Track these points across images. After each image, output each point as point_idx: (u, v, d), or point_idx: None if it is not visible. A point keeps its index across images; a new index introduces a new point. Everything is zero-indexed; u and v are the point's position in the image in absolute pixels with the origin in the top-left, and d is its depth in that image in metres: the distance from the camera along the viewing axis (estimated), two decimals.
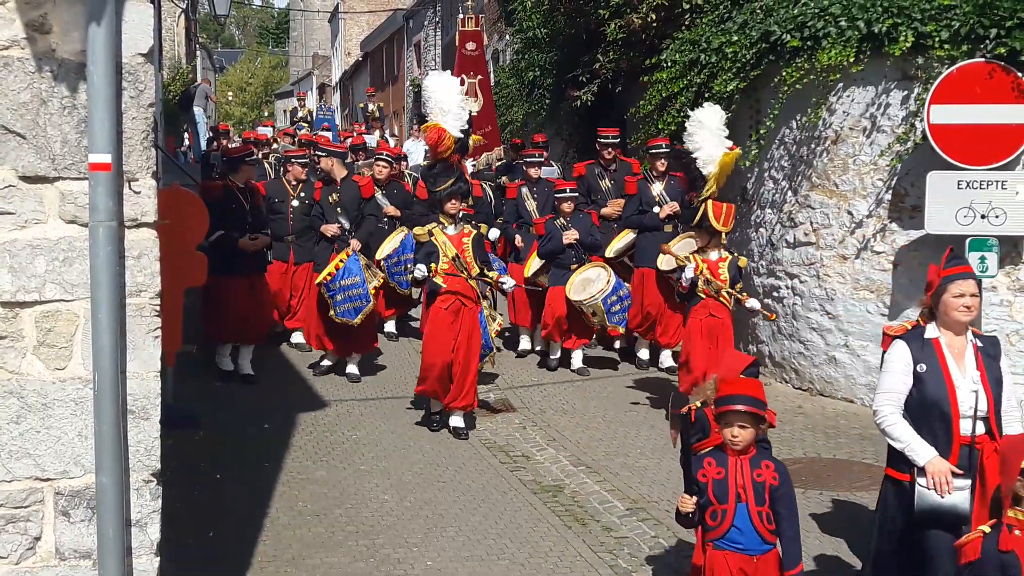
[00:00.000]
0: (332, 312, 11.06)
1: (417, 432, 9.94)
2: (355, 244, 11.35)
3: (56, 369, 4.69)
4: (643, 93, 13.00)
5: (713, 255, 9.80)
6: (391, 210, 13.20)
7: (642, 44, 13.90)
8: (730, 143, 10.53)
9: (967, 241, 9.80)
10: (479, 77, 17.64)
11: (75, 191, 4.64)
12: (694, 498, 5.41)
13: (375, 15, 49.71)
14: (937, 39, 9.93)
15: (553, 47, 17.66)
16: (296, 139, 20.52)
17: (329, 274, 10.99)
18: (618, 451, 9.48)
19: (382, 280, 11.80)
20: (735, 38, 11.54)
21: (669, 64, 12.45)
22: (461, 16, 18.80)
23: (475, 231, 9.95)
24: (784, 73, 10.91)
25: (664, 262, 11.29)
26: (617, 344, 12.86)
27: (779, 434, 9.87)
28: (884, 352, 6.06)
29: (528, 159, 13.63)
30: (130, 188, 4.71)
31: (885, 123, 10.46)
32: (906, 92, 10.33)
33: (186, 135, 28.88)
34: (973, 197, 9.83)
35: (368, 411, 10.57)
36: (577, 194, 12.24)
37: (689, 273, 9.64)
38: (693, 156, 10.52)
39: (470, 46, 17.91)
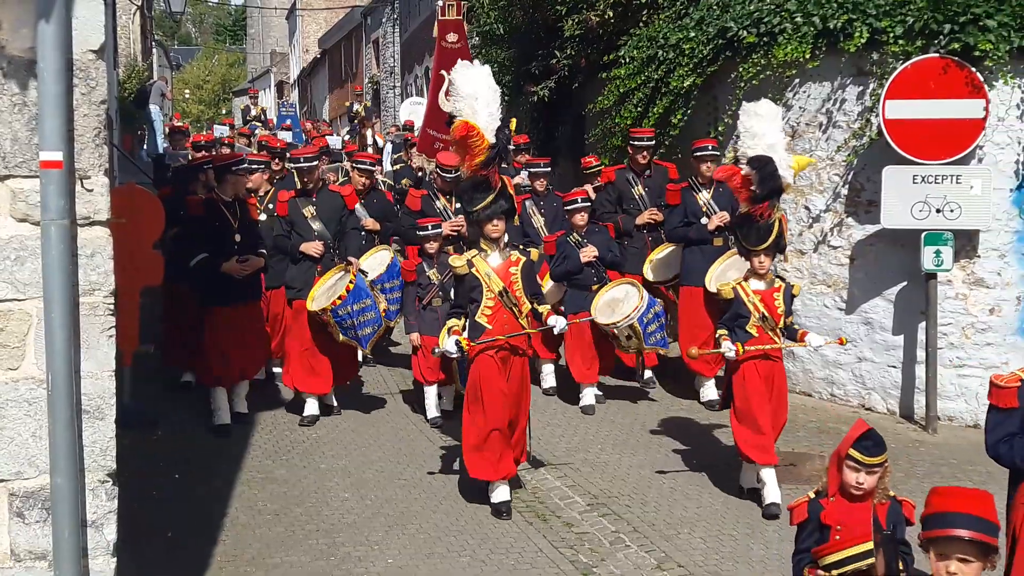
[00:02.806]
0: (338, 336, 9.68)
1: (377, 430, 9.90)
2: (356, 263, 9.99)
3: (9, 369, 4.63)
4: (601, 89, 13.02)
5: (761, 283, 8.18)
6: (370, 223, 11.64)
7: (600, 40, 13.92)
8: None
9: (923, 235, 9.89)
10: None
11: (26, 189, 4.58)
12: None
13: (333, 12, 49.51)
14: (892, 35, 10.01)
15: (511, 43, 17.63)
16: (252, 140, 20.01)
17: (340, 297, 9.50)
18: (579, 447, 9.49)
19: (386, 303, 10.22)
20: (692, 34, 11.57)
21: (627, 60, 12.46)
22: (440, 3, 16.44)
23: (524, 258, 8.15)
24: (741, 69, 10.96)
25: (714, 281, 9.96)
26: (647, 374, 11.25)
27: None
28: (992, 405, 5.34)
29: (533, 169, 12.02)
30: (82, 186, 4.66)
31: (841, 118, 10.54)
32: (861, 88, 10.41)
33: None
34: (928, 191, 9.93)
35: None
36: (590, 204, 10.82)
37: (729, 355, 8.02)
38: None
39: (451, 38, 15.72)
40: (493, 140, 7.99)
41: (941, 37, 9.84)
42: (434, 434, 9.81)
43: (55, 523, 4.61)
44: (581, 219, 10.55)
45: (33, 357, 4.64)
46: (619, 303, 10.09)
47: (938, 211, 9.94)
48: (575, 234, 10.54)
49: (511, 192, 8.35)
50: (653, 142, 11.46)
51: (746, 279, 8.22)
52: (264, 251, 10.00)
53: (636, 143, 11.41)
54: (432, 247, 10.16)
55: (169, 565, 6.84)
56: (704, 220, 10.55)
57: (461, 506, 8.10)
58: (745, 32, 10.91)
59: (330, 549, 7.28)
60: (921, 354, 10.17)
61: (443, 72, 14.14)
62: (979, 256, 10.13)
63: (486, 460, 7.93)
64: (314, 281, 9.91)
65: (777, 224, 8.12)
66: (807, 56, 10.46)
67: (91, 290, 4.71)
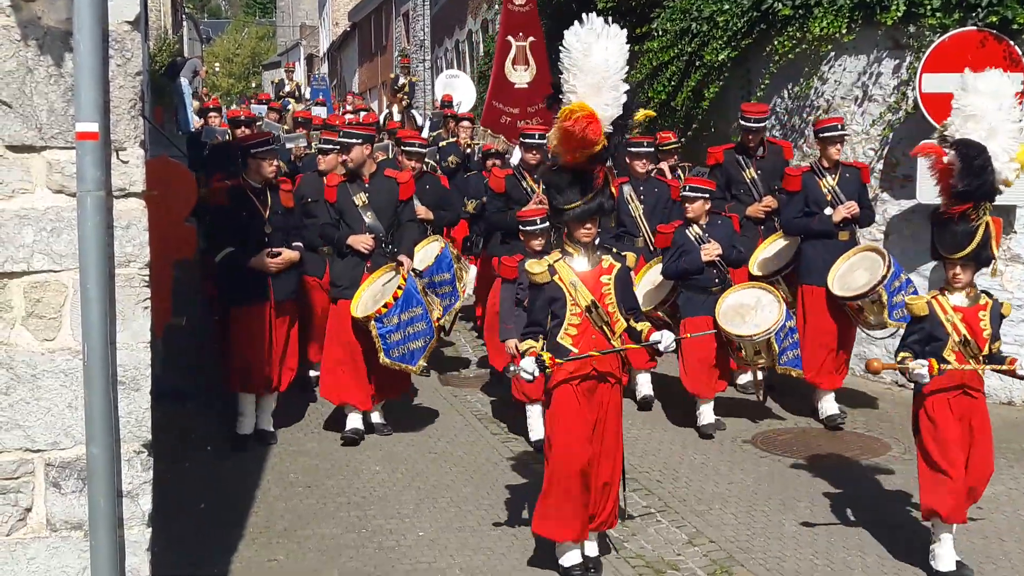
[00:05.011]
0: (381, 356, 8.48)
1: (407, 404, 9.90)
2: (408, 262, 8.80)
3: (45, 340, 4.65)
4: (634, 62, 12.92)
5: (962, 299, 6.61)
6: (422, 211, 10.24)
7: (633, 13, 13.82)
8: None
9: None
10: (531, 39, 13.55)
11: (62, 160, 4.58)
12: None
13: None
14: (929, 7, 9.92)
15: (543, 16, 17.53)
16: (283, 116, 19.65)
17: (386, 305, 8.39)
18: None
19: (440, 310, 9.16)
20: (726, 7, 11.48)
21: (660, 33, 12.38)
22: None
23: (619, 264, 6.53)
24: (776, 42, 10.87)
25: (838, 285, 9.07)
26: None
27: (770, 404, 9.91)
28: None
29: (633, 148, 10.07)
30: (118, 157, 4.65)
31: (877, 92, 10.44)
32: (898, 61, 10.31)
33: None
34: None
35: None
36: (708, 194, 9.20)
37: (923, 377, 6.38)
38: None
39: (519, 0, 14.08)
40: (610, 131, 6.51)
41: (979, 10, 9.75)
42: (465, 409, 9.83)
43: (91, 493, 4.62)
44: (701, 207, 9.08)
45: (69, 328, 4.66)
46: (749, 310, 8.82)
47: None
48: (695, 226, 9.11)
49: (613, 189, 6.92)
50: (765, 123, 10.27)
51: (942, 292, 6.67)
52: (300, 244, 8.96)
53: (745, 123, 10.09)
54: (538, 244, 8.26)
55: (201, 536, 6.88)
56: (829, 211, 9.39)
57: (492, 480, 8.11)
58: (780, 4, 10.83)
59: (361, 522, 7.31)
60: None
61: (509, 38, 13.21)
62: (1016, 232, 10.03)
63: (566, 512, 6.41)
64: (362, 279, 8.73)
65: (982, 229, 6.54)
66: (843, 30, 10.35)
67: (126, 262, 4.71)
